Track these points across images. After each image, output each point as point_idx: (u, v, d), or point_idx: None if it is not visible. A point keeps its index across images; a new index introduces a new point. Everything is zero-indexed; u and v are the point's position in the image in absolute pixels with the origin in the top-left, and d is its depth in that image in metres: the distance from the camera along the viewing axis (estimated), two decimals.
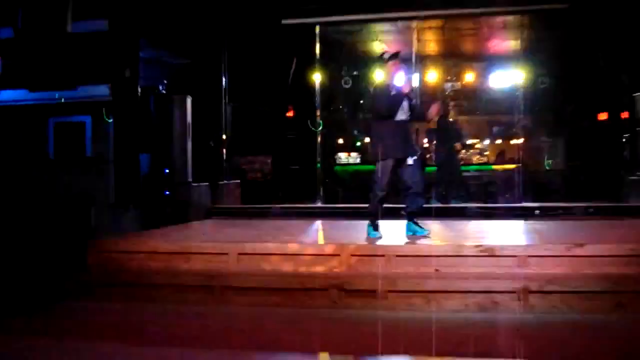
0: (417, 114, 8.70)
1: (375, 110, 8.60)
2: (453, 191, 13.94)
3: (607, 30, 13.11)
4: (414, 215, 8.58)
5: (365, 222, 8.65)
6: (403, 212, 8.70)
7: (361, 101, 17.33)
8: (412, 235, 8.47)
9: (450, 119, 15.36)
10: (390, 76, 8.51)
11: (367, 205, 8.67)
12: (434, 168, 14.13)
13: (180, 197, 12.00)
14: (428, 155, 14.85)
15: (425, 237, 8.39)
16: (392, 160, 8.30)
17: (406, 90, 8.43)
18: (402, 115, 8.39)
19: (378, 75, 15.71)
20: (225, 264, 7.96)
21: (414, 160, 8.39)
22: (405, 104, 8.39)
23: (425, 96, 15.26)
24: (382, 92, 8.50)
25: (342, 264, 7.69)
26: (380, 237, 8.45)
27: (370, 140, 8.91)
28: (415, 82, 13.95)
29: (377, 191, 8.42)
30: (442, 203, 13.22)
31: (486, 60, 17.07)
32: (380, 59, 8.90)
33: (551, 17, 13.01)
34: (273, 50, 14.37)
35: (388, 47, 14.55)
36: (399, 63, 8.56)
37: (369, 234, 8.56)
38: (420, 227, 8.53)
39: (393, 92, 8.38)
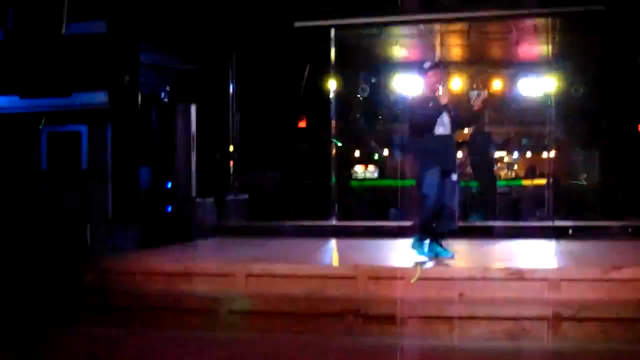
0: (459, 122, 8.72)
1: (412, 124, 8.64)
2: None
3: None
4: (441, 237, 8.54)
5: (387, 241, 8.66)
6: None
7: (379, 111, 17.28)
8: (434, 257, 8.42)
9: (486, 130, 15.31)
10: (429, 87, 8.56)
11: (411, 223, 8.91)
12: (474, 183, 14.10)
13: (183, 213, 11.98)
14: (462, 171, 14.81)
15: (449, 259, 8.35)
16: (439, 168, 8.29)
17: (444, 101, 8.44)
18: (441, 129, 8.40)
19: (402, 83, 15.94)
20: (232, 286, 7.95)
21: (457, 178, 8.49)
22: (445, 117, 8.40)
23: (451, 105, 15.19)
24: (418, 105, 8.56)
25: (359, 287, 7.66)
26: (429, 258, 8.40)
27: (410, 156, 9.01)
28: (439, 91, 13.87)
29: (429, 204, 8.33)
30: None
31: (515, 67, 17.02)
32: (421, 69, 8.81)
33: (586, 19, 12.95)
34: (285, 55, 14.38)
35: (414, 54, 14.56)
36: (440, 73, 8.61)
37: (416, 250, 8.54)
38: (445, 249, 8.49)
39: (431, 104, 8.40)
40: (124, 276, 8.31)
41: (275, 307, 7.51)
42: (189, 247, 10.79)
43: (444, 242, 8.58)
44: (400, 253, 9.05)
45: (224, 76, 14.16)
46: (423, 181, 8.36)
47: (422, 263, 8.12)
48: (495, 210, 13.87)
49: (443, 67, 8.82)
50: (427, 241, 8.51)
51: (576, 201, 14.34)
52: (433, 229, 8.53)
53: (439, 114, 8.34)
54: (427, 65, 8.72)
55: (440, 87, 8.55)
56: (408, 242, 8.92)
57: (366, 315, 7.21)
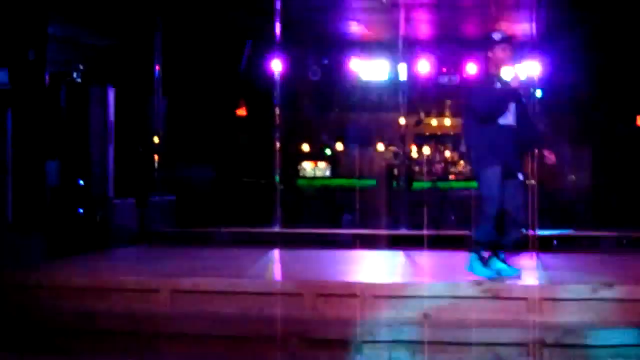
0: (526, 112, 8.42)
1: (473, 111, 8.28)
2: None
3: None
4: (502, 250, 8.24)
5: (340, 252, 8.66)
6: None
7: (333, 97, 17.35)
8: (497, 277, 8.05)
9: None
10: (494, 65, 8.23)
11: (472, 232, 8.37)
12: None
13: (98, 216, 11.93)
14: None
15: (515, 278, 8.08)
16: (501, 167, 8.00)
17: (514, 85, 8.09)
18: (507, 119, 8.09)
19: (360, 66, 15.99)
20: (156, 304, 7.92)
21: (523, 178, 8.23)
22: (512, 105, 8.11)
23: (413, 92, 15.30)
24: (483, 87, 8.25)
25: (305, 306, 7.70)
26: (497, 277, 8.04)
27: (470, 149, 8.75)
28: (403, 75, 13.98)
29: (490, 210, 8.03)
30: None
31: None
32: (487, 41, 8.38)
33: None
34: (221, 31, 14.38)
35: (374, 31, 14.59)
36: (510, 49, 8.25)
37: (474, 270, 8.14)
38: (509, 265, 8.19)
39: (499, 87, 8.12)
40: (26, 293, 8.24)
41: (207, 329, 7.51)
42: (104, 257, 10.75)
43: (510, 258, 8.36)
44: (355, 266, 9.11)
45: (148, 54, 14.07)
46: (481, 182, 8.15)
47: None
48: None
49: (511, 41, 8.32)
50: (487, 256, 8.19)
51: (563, 207, 14.52)
52: (496, 242, 8.21)
53: (509, 99, 8.07)
54: (497, 36, 8.31)
55: (510, 68, 8.22)
56: (364, 253, 8.98)
57: (313, 338, 7.24)
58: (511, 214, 8.05)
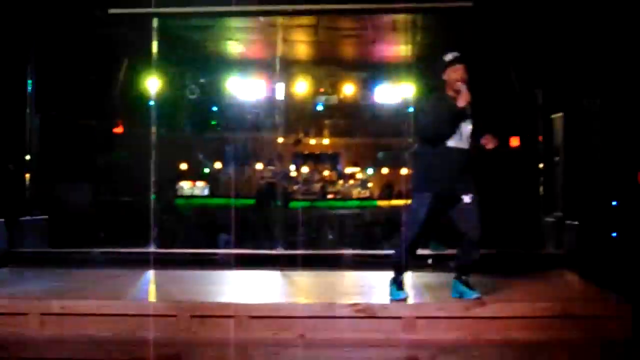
0: (480, 133, 8.18)
1: (421, 131, 8.25)
2: None
3: (520, 37, 13.49)
4: (465, 271, 8.19)
5: (217, 272, 8.55)
6: (451, 265, 8.55)
7: (211, 116, 17.30)
8: (459, 299, 8.03)
9: None
10: (449, 86, 8.05)
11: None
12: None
13: None
14: None
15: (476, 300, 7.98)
16: (431, 194, 7.92)
17: (461, 105, 7.89)
18: (457, 141, 7.96)
19: (238, 85, 15.95)
20: (24, 328, 7.74)
21: (471, 199, 8.02)
22: (464, 127, 7.98)
23: (292, 113, 15.34)
24: (433, 106, 8.06)
25: (180, 328, 7.60)
26: (405, 299, 8.08)
27: (413, 169, 8.59)
28: (281, 94, 13.98)
29: (410, 233, 8.07)
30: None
31: (371, 69, 17.33)
32: (439, 62, 8.25)
33: (451, 17, 13.32)
34: (98, 47, 14.15)
35: (253, 51, 14.56)
36: (463, 69, 8.09)
37: (390, 293, 8.15)
38: (471, 288, 8.10)
39: (445, 108, 7.92)
40: None
41: (79, 354, 7.33)
42: None
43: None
44: (231, 286, 9.03)
45: (20, 70, 13.77)
46: (411, 204, 8.17)
47: None
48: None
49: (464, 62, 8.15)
50: (402, 279, 8.21)
51: (441, 224, 14.65)
52: (457, 264, 8.28)
53: (459, 120, 7.93)
54: (449, 57, 8.21)
55: (462, 87, 7.94)
56: (241, 273, 8.90)
57: None
58: (468, 236, 7.99)
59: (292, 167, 18.07)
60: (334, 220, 16.10)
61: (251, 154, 19.86)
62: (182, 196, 16.95)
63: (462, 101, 7.84)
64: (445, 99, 7.99)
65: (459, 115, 7.93)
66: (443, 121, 7.86)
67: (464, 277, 8.14)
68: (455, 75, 8.01)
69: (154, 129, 13.77)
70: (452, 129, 7.91)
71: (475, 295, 7.97)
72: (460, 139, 7.97)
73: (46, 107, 14.13)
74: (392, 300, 8.06)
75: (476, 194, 8.04)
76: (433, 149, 7.96)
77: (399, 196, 15.41)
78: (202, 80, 16.61)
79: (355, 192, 17.32)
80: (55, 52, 13.84)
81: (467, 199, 7.97)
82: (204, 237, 14.89)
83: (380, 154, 18.85)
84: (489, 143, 8.14)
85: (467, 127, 8.00)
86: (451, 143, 7.93)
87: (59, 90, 14.20)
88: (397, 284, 8.17)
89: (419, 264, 11.53)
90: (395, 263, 8.23)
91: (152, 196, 13.63)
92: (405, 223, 8.18)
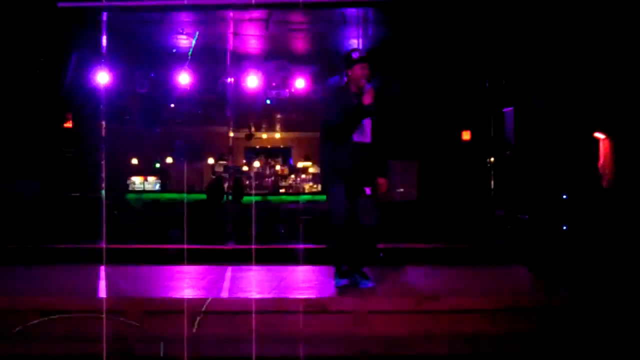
0: (385, 128, 8.45)
1: (323, 123, 8.34)
2: None
3: (472, 31, 13.54)
4: (360, 263, 8.43)
5: (169, 268, 8.51)
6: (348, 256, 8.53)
7: (161, 111, 17.19)
8: (354, 287, 8.29)
9: None
10: (353, 83, 8.19)
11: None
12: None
13: None
14: None
15: (370, 289, 8.24)
16: (343, 185, 8.16)
17: (367, 102, 8.06)
18: (361, 136, 8.17)
19: (188, 79, 15.88)
20: None
21: (372, 192, 8.24)
22: (366, 122, 8.18)
23: (243, 106, 15.30)
24: (335, 97, 8.23)
25: (131, 324, 7.53)
26: (346, 286, 8.28)
27: (320, 164, 8.81)
28: (232, 89, 13.95)
29: (333, 223, 8.22)
30: None
31: (323, 63, 17.29)
32: (346, 59, 8.32)
33: (400, 9, 13.32)
34: (46, 41, 14.02)
35: (203, 44, 14.48)
36: (368, 67, 8.20)
37: (335, 281, 8.39)
38: (367, 276, 8.36)
39: (349, 104, 8.07)
40: None
41: (26, 351, 7.27)
42: None
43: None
44: (182, 282, 8.99)
45: None
46: (328, 198, 8.31)
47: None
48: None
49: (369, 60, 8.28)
50: (343, 268, 8.38)
51: (391, 219, 14.71)
52: (351, 255, 8.40)
53: (363, 116, 8.12)
54: (355, 54, 8.29)
55: (366, 85, 8.11)
56: (192, 269, 8.86)
57: (139, 357, 7.15)
58: (366, 229, 8.25)
59: (244, 162, 17.98)
60: (286, 215, 16.10)
61: (203, 149, 19.79)
62: (133, 191, 16.83)
63: (367, 98, 8.07)
64: (347, 95, 8.19)
65: (363, 112, 8.13)
66: (348, 118, 8.09)
67: (361, 267, 8.41)
68: (361, 72, 8.18)
69: (103, 124, 13.70)
70: (356, 126, 8.14)
71: (371, 283, 8.31)
72: (362, 133, 8.21)
73: None
74: (335, 287, 8.29)
75: (375, 187, 8.33)
76: (336, 144, 8.20)
77: None
78: (152, 75, 16.49)
79: (307, 187, 17.29)
80: (1, 45, 13.68)
81: (368, 191, 8.26)
82: (155, 232, 14.84)
83: None
84: (382, 187, 8.42)
85: (368, 123, 8.23)
86: (357, 138, 8.18)
87: (6, 84, 14.06)
88: (339, 272, 8.39)
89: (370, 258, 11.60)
90: (331, 255, 8.47)
91: (102, 191, 13.56)
92: (329, 217, 8.28)
